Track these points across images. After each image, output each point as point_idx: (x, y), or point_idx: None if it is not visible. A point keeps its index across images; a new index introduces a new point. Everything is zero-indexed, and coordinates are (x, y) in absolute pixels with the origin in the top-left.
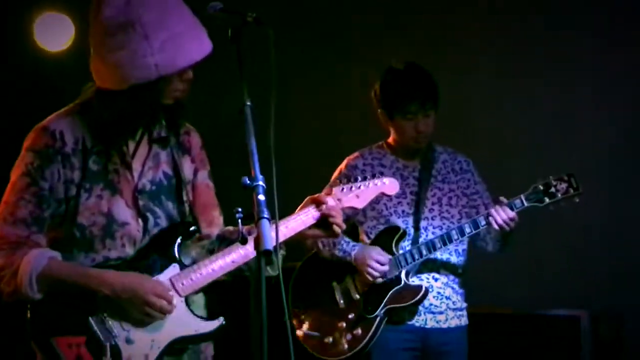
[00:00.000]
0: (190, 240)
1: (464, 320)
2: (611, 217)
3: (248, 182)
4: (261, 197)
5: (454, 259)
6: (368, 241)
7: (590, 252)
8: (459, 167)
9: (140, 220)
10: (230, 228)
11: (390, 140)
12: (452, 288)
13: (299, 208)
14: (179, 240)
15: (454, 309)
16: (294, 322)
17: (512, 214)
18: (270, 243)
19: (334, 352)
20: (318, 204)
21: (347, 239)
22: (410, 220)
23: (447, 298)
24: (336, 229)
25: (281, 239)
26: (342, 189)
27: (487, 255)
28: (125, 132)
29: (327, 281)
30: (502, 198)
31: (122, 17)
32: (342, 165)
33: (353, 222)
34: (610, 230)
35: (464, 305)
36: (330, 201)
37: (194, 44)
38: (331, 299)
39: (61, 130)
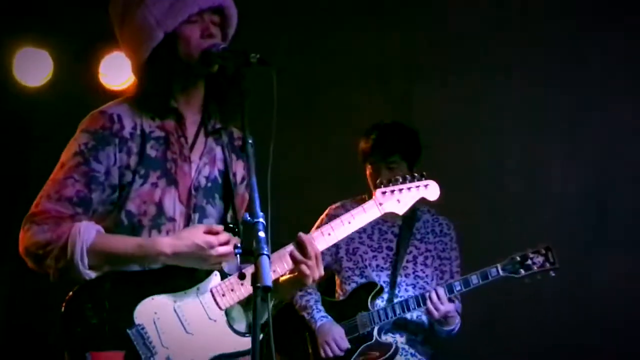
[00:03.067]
0: None
1: None
2: None
3: (249, 218)
4: (262, 233)
5: (425, 317)
6: (341, 292)
7: None
8: (439, 229)
9: (184, 219)
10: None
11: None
12: (420, 347)
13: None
14: None
15: None
16: None
17: (442, 308)
18: (269, 280)
19: None
20: (299, 246)
21: (320, 307)
22: (384, 275)
23: (413, 355)
24: (308, 281)
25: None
26: (384, 192)
27: None
28: (169, 95)
29: (302, 329)
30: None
31: (121, 1)
32: (324, 215)
33: (331, 272)
34: None
35: None
36: (310, 249)
37: None
38: (303, 348)
39: (119, 114)
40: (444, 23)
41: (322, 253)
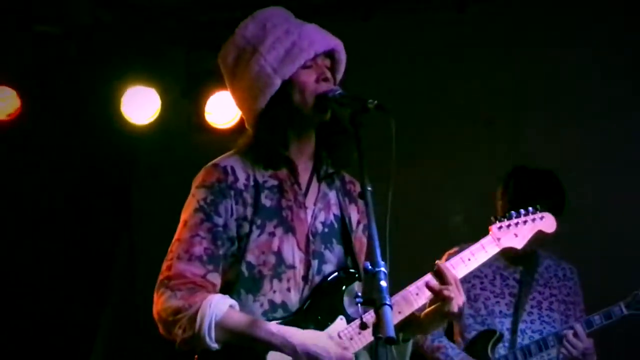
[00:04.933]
0: (351, 288)
1: None
2: None
3: (370, 267)
4: (383, 283)
5: None
6: (462, 341)
7: None
8: (562, 274)
9: (304, 266)
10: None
11: None
12: None
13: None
14: (344, 292)
15: None
16: None
17: (580, 345)
18: (392, 330)
19: None
20: (438, 276)
21: (453, 345)
22: (507, 321)
23: None
24: (453, 307)
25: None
26: (500, 227)
27: None
28: (284, 143)
29: None
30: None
31: (233, 53)
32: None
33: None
34: None
35: None
36: (449, 275)
37: (312, 37)
38: None
39: (232, 166)
40: (555, 63)
41: None
